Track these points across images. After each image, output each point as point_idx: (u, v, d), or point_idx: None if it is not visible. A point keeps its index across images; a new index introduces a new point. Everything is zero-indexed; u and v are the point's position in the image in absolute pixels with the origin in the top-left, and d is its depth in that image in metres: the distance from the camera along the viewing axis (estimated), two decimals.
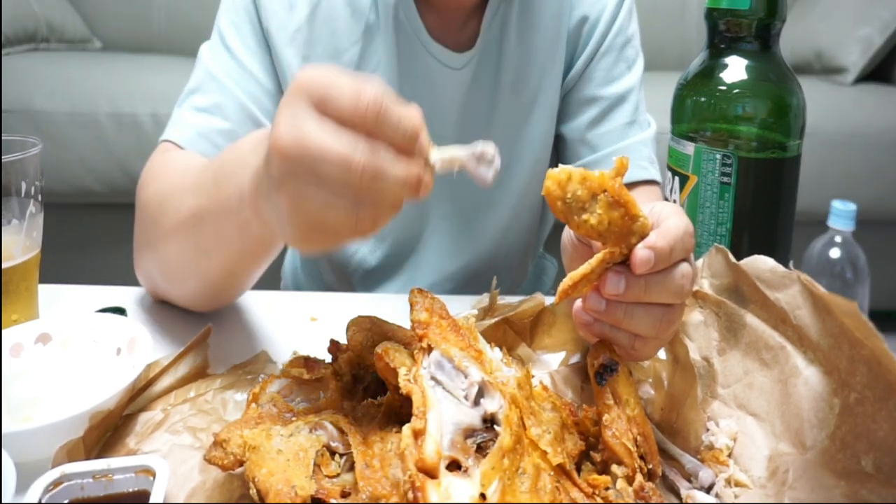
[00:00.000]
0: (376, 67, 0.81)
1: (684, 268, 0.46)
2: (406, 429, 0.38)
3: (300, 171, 0.40)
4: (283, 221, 0.43)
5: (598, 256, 0.45)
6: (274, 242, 0.56)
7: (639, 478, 0.43)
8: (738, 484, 0.47)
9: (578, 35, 0.85)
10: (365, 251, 0.89)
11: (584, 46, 0.85)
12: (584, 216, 0.43)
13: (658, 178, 0.85)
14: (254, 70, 0.79)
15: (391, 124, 0.40)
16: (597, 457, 0.46)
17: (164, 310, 0.71)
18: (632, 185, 0.83)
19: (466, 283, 0.90)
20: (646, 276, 0.45)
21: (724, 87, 0.59)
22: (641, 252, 0.44)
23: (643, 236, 0.44)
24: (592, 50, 0.84)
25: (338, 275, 0.93)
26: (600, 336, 0.49)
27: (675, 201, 0.61)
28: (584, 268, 0.45)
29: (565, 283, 0.45)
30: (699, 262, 0.55)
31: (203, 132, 0.76)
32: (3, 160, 0.58)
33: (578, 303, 0.48)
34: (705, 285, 0.54)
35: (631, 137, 0.84)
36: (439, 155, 0.43)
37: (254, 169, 0.48)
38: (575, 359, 0.60)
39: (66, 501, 0.42)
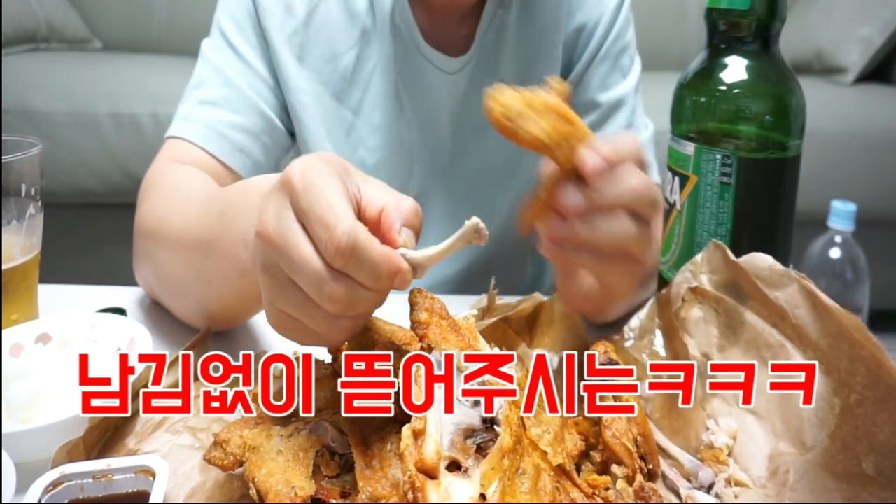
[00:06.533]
0: (372, 71, 0.81)
1: (637, 172, 0.46)
2: (406, 429, 0.38)
3: (281, 265, 0.40)
4: (264, 301, 0.44)
5: (549, 177, 0.45)
6: None
7: (639, 478, 0.43)
8: (738, 483, 0.47)
9: (576, 42, 0.85)
10: None
11: (580, 54, 0.85)
12: (527, 127, 0.44)
13: (657, 179, 0.85)
14: (257, 66, 0.79)
15: (359, 270, 0.39)
16: (597, 457, 0.46)
17: (164, 310, 0.71)
18: None
19: (465, 285, 0.90)
20: (598, 179, 0.45)
21: (724, 87, 0.59)
22: (586, 152, 0.45)
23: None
24: (589, 57, 0.85)
25: None
26: (568, 263, 0.49)
27: (675, 201, 0.61)
28: (539, 191, 0.46)
29: (523, 212, 0.46)
30: (697, 258, 0.55)
31: (212, 125, 0.76)
32: (2, 161, 0.58)
33: (549, 246, 0.49)
34: (704, 281, 0.54)
35: None
36: (426, 254, 0.42)
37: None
38: None
39: (65, 502, 0.42)
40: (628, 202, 0.46)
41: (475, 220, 0.42)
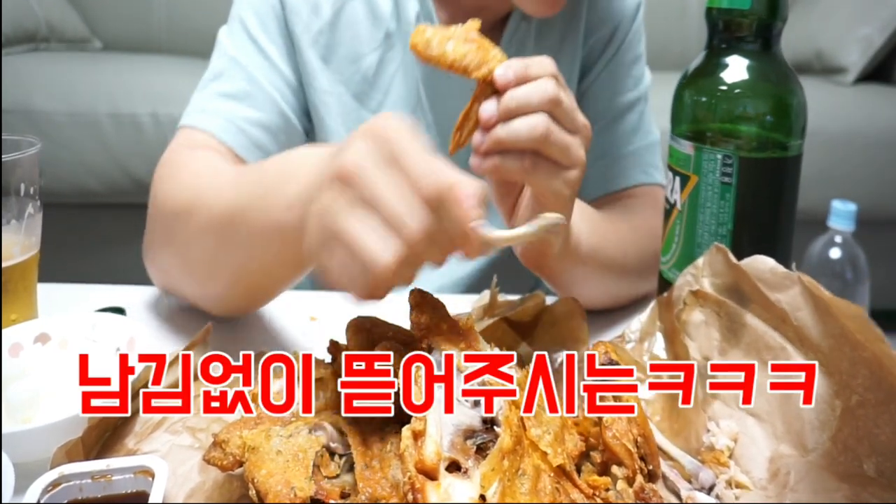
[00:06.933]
0: (394, 75, 0.82)
1: (548, 80, 0.51)
2: (406, 430, 0.38)
3: (356, 203, 0.40)
4: (320, 229, 0.42)
5: (472, 98, 0.52)
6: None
7: (639, 479, 0.43)
8: (738, 485, 0.47)
9: (591, 52, 0.86)
10: None
11: (594, 63, 0.86)
12: (445, 50, 0.50)
13: (662, 181, 0.85)
14: (279, 65, 0.78)
15: (447, 216, 0.39)
16: (597, 458, 0.46)
17: (163, 310, 0.71)
18: (635, 188, 0.83)
19: (477, 287, 0.90)
20: (511, 90, 0.50)
21: (724, 87, 0.59)
22: (498, 67, 0.50)
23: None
24: (602, 66, 0.86)
25: None
26: (494, 170, 0.51)
27: (675, 201, 0.61)
28: (464, 113, 0.52)
29: (453, 134, 0.52)
30: (699, 261, 0.55)
31: (232, 119, 0.74)
32: (2, 160, 0.58)
33: (475, 160, 0.52)
34: (706, 284, 0.54)
35: (635, 144, 0.85)
36: (502, 235, 0.43)
37: (307, 181, 0.46)
38: None
39: (64, 502, 0.42)
40: (537, 102, 0.50)
41: (559, 215, 0.46)
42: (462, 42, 0.51)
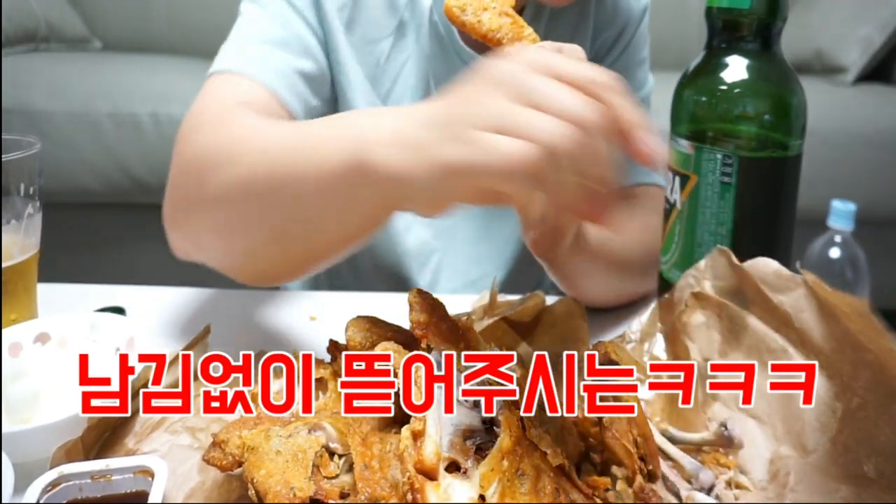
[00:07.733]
0: (404, 64, 0.81)
1: (580, 62, 0.51)
2: (405, 430, 0.38)
3: (519, 100, 0.39)
4: (455, 141, 0.40)
5: None
6: (387, 213, 0.49)
7: (639, 479, 0.43)
8: (738, 486, 0.47)
9: (597, 53, 0.86)
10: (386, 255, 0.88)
11: (599, 63, 0.86)
12: (481, 19, 0.52)
13: (662, 183, 0.85)
14: (309, 18, 0.76)
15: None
16: (597, 458, 0.46)
17: (163, 309, 0.71)
18: (637, 187, 0.83)
19: (504, 284, 0.90)
20: None
21: (724, 87, 0.58)
22: (532, 47, 0.50)
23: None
24: (607, 66, 0.86)
25: (356, 278, 0.92)
26: None
27: (675, 201, 0.61)
28: None
29: None
30: (701, 264, 0.55)
31: (279, 67, 0.70)
32: (2, 160, 0.58)
33: None
34: (707, 287, 0.54)
35: None
36: None
37: (392, 127, 0.44)
38: None
39: (64, 502, 0.42)
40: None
41: None
42: (498, 15, 0.52)
